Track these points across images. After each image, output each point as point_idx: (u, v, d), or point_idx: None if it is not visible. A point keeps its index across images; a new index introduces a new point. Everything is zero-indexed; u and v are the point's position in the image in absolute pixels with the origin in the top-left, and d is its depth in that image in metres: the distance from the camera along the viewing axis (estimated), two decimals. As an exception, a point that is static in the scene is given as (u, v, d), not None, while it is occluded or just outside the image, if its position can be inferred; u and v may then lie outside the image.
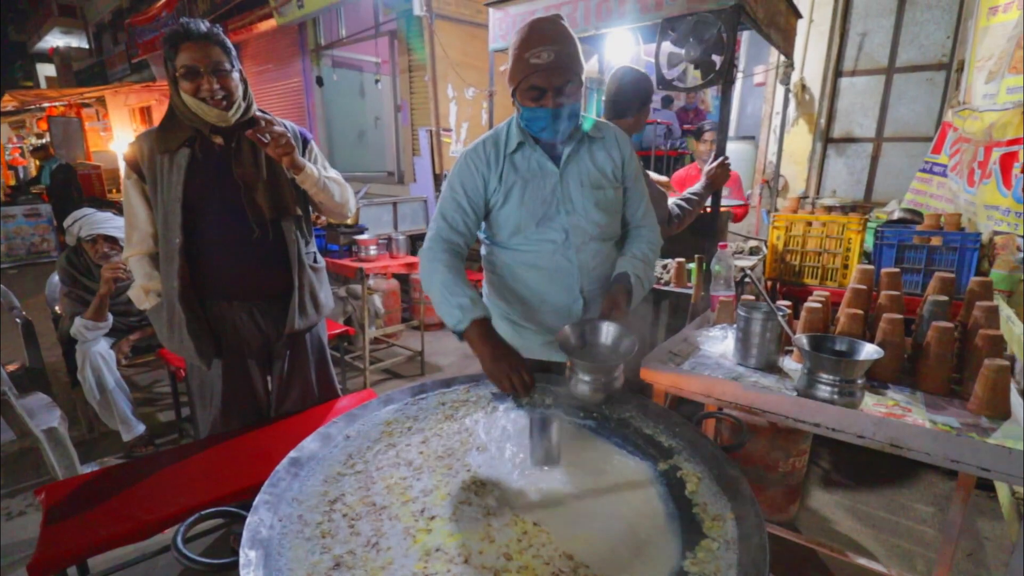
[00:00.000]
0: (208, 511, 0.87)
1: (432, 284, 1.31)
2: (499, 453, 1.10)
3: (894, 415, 1.18)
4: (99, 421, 2.58)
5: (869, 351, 1.19)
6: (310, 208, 1.78)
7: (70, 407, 2.78)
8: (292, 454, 1.03)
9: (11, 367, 2.57)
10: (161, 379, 3.43)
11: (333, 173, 1.81)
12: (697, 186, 2.08)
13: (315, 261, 1.78)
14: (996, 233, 2.27)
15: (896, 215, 2.95)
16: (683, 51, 2.11)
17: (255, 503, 0.87)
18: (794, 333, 1.35)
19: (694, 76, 2.20)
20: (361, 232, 3.55)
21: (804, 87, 4.26)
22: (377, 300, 3.57)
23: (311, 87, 7.20)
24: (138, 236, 1.59)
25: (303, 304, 1.68)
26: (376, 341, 3.81)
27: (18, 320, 2.55)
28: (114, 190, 9.33)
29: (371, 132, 7.82)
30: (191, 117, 1.51)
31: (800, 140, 4.39)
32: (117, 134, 9.48)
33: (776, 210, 4.34)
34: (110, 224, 2.47)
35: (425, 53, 4.70)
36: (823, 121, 4.35)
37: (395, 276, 4.08)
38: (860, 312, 1.43)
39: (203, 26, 1.46)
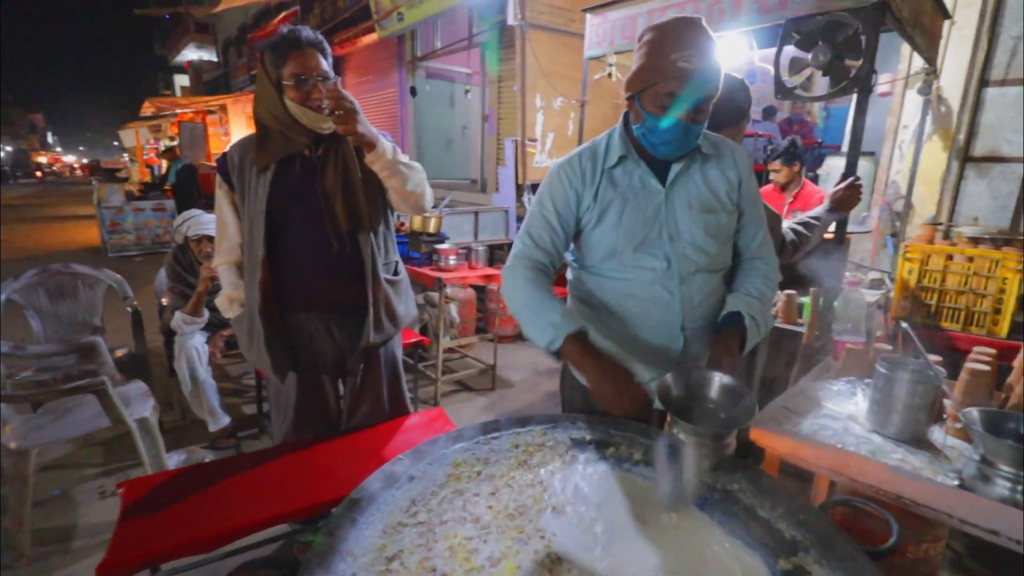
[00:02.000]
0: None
1: (516, 302, 1.20)
2: (577, 518, 0.95)
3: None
4: (190, 409, 2.72)
5: (1075, 444, 0.90)
6: (391, 216, 1.73)
7: (166, 394, 2.97)
8: (353, 495, 0.94)
9: (119, 353, 2.79)
10: (250, 371, 3.60)
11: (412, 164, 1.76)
12: (819, 209, 1.80)
13: (395, 273, 1.73)
14: None
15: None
16: (809, 55, 1.85)
17: (307, 557, 0.78)
18: (957, 402, 1.08)
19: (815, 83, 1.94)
20: (442, 241, 3.54)
21: (940, 97, 3.72)
22: (453, 310, 3.53)
23: (405, 97, 7.45)
24: (227, 245, 1.61)
25: (378, 319, 1.63)
26: (449, 351, 3.78)
27: (129, 309, 2.75)
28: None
29: (458, 141, 7.99)
30: (291, 127, 1.48)
31: (932, 158, 3.84)
32: (235, 137, 10.41)
33: (901, 237, 3.82)
34: (212, 225, 2.61)
35: (516, 63, 4.66)
36: (961, 137, 3.77)
37: (472, 286, 4.04)
38: (1045, 382, 1.13)
39: (310, 34, 1.45)
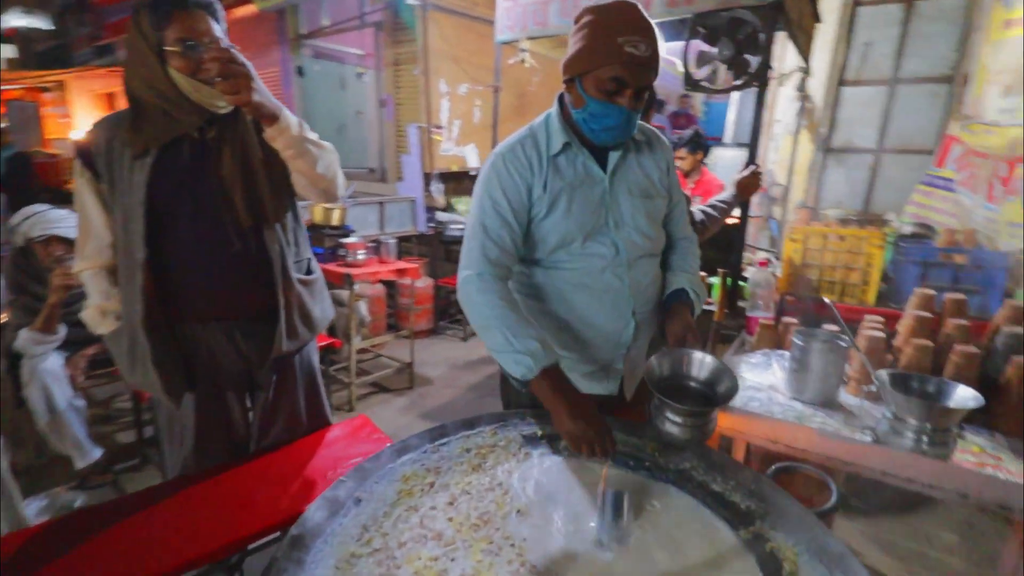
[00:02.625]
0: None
1: (488, 322, 1.10)
2: (544, 517, 0.91)
3: (986, 466, 1.03)
4: (49, 444, 2.28)
5: (966, 397, 1.03)
6: (298, 209, 1.54)
7: (14, 427, 2.47)
8: (294, 531, 0.81)
9: (-55, 384, 2.26)
10: (121, 392, 3.10)
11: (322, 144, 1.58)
12: (725, 194, 1.92)
13: (308, 272, 1.54)
14: (1026, 252, 2.18)
15: (907, 229, 2.87)
16: (715, 50, 1.95)
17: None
18: (871, 366, 1.19)
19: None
20: (347, 235, 3.30)
21: (807, 95, 4.18)
22: (363, 307, 3.33)
23: (290, 77, 6.86)
24: (93, 246, 1.32)
25: (291, 324, 1.44)
26: (362, 352, 3.57)
27: (-45, 329, 2.23)
28: (72, 180, 8.76)
29: (352, 127, 7.54)
30: (179, 103, 1.24)
31: (801, 149, 4.32)
32: (80, 121, 8.92)
33: (781, 220, 4.26)
34: (65, 223, 2.17)
35: (418, 46, 4.47)
36: (824, 130, 4.28)
37: (381, 281, 3.84)
38: (929, 344, 1.29)
39: None
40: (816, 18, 2.68)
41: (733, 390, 0.99)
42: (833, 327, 1.47)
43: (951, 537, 2.14)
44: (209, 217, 1.30)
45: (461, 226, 4.51)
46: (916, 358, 1.28)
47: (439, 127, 4.43)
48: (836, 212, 3.41)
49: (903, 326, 1.40)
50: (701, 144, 3.20)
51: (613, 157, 1.20)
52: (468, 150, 4.84)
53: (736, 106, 5.16)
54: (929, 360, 1.28)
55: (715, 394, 1.04)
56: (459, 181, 5.11)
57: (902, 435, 1.06)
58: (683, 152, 3.23)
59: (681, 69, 2.08)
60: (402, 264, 3.23)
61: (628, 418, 1.30)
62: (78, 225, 1.33)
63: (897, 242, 2.47)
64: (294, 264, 1.45)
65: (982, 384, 1.23)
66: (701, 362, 1.07)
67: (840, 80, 4.16)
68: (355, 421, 1.78)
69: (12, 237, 2.20)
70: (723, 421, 1.19)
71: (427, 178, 4.40)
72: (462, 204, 4.80)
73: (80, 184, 1.30)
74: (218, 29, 1.25)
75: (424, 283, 4.20)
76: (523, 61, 2.51)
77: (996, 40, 2.99)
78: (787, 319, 1.58)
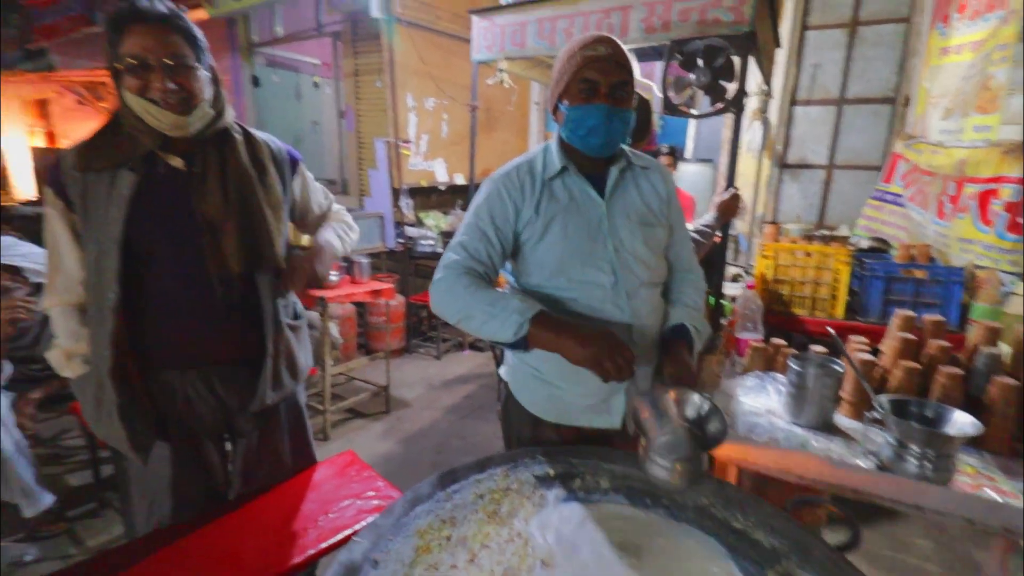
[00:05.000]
0: None
1: (461, 305, 1.11)
2: (570, 568, 0.88)
3: (983, 487, 1.08)
4: (-8, 492, 2.06)
5: (964, 423, 1.08)
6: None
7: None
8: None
9: None
10: (71, 428, 2.86)
11: (336, 208, 1.57)
12: (708, 217, 1.97)
13: (295, 316, 1.45)
14: (977, 267, 2.34)
15: (865, 244, 3.03)
16: (691, 76, 2.00)
17: None
18: (872, 390, 1.22)
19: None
20: (317, 253, 3.17)
21: (766, 116, 4.36)
22: (335, 329, 3.21)
23: (242, 86, 6.60)
24: (62, 281, 1.20)
25: (277, 374, 1.34)
26: (334, 376, 3.44)
27: None
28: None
29: (309, 138, 7.33)
30: (138, 125, 1.15)
31: (760, 165, 4.50)
32: (6, 128, 8.25)
33: (739, 233, 4.41)
34: (13, 251, 1.98)
35: (383, 58, 4.39)
36: (779, 147, 4.48)
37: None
38: (917, 366, 1.34)
39: (160, 6, 1.12)
40: (777, 43, 2.81)
41: (722, 432, 0.97)
42: (822, 348, 1.51)
43: (926, 543, 2.25)
44: (191, 259, 1.20)
45: (431, 241, 4.44)
46: (905, 380, 1.33)
47: (407, 141, 4.36)
48: (797, 227, 3.56)
49: (888, 347, 1.45)
50: (676, 160, 3.28)
51: (611, 180, 1.20)
52: (436, 164, 4.78)
53: (696, 122, 5.34)
54: (917, 382, 1.33)
55: (704, 435, 1.00)
56: (427, 196, 5.04)
57: (906, 461, 1.10)
58: (664, 160, 3.31)
59: (659, 94, 2.12)
60: (376, 284, 3.14)
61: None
62: (47, 257, 1.20)
63: (858, 257, 2.60)
64: (282, 308, 1.36)
65: (967, 403, 1.30)
66: (688, 401, 1.03)
67: (792, 100, 4.38)
68: (342, 458, 1.69)
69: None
70: (729, 449, 1.20)
71: (396, 193, 4.31)
72: (431, 219, 4.73)
73: (51, 213, 1.18)
74: (183, 46, 1.15)
75: (396, 301, 4.10)
76: (502, 82, 2.50)
77: (935, 65, 3.22)
78: (776, 340, 1.62)
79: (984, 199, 2.39)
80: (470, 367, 4.10)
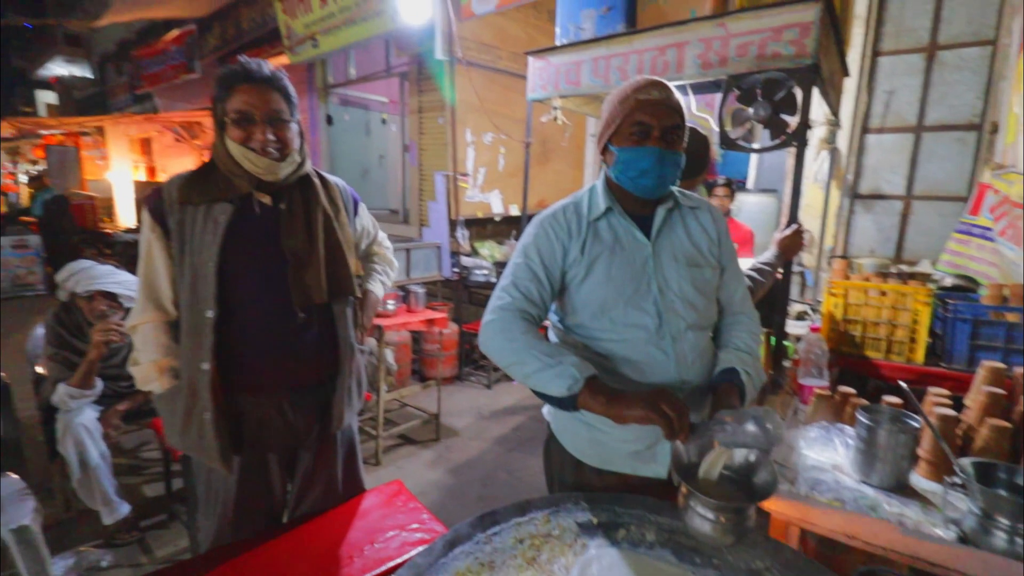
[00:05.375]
0: None
1: (513, 351, 1.09)
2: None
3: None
4: (77, 498, 2.25)
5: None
6: None
7: (43, 478, 2.46)
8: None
9: (-21, 438, 2.26)
10: (149, 442, 3.10)
11: (381, 236, 1.67)
12: (768, 255, 1.89)
13: (362, 341, 1.56)
14: (1083, 312, 2.09)
15: (948, 281, 2.79)
16: (750, 110, 1.96)
17: None
18: (951, 453, 1.12)
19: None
20: (375, 282, 3.31)
21: (835, 146, 4.17)
22: (390, 356, 3.30)
23: (317, 124, 7.11)
24: (156, 299, 1.32)
25: (350, 395, 1.45)
26: (387, 402, 3.53)
27: (-7, 383, 2.25)
28: (106, 219, 9.07)
29: (375, 170, 7.77)
30: (235, 169, 1.29)
31: (827, 195, 4.28)
32: (115, 163, 9.28)
33: (806, 268, 4.19)
34: (110, 279, 2.20)
35: (446, 96, 4.60)
36: (850, 177, 4.26)
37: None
38: (1007, 425, 1.21)
39: (265, 69, 1.27)
40: (845, 72, 2.70)
41: (772, 485, 0.91)
42: (894, 399, 1.40)
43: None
44: (275, 289, 1.31)
45: (485, 270, 4.52)
46: (993, 440, 1.20)
47: (465, 175, 4.51)
48: (871, 262, 3.34)
49: (973, 402, 1.32)
50: (733, 191, 3.20)
51: (657, 220, 1.19)
52: (492, 196, 4.91)
53: (756, 155, 5.17)
54: (1007, 443, 1.20)
55: (751, 486, 0.95)
56: (483, 227, 5.16)
57: (992, 535, 0.98)
58: (721, 192, 3.24)
59: (715, 127, 2.09)
60: (431, 313, 3.22)
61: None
62: (140, 278, 1.33)
63: (941, 297, 2.39)
64: (354, 335, 1.46)
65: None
66: (737, 450, 0.97)
67: (864, 128, 4.16)
68: (389, 488, 1.73)
69: (57, 293, 2.24)
70: (788, 509, 1.12)
71: (452, 224, 4.44)
72: (485, 249, 4.82)
73: (149, 239, 1.32)
74: (282, 104, 1.29)
75: (449, 329, 4.18)
76: (555, 119, 2.55)
77: (1028, 91, 2.97)
78: (845, 389, 1.52)
79: (1090, 236, 2.15)
80: (519, 398, 4.08)
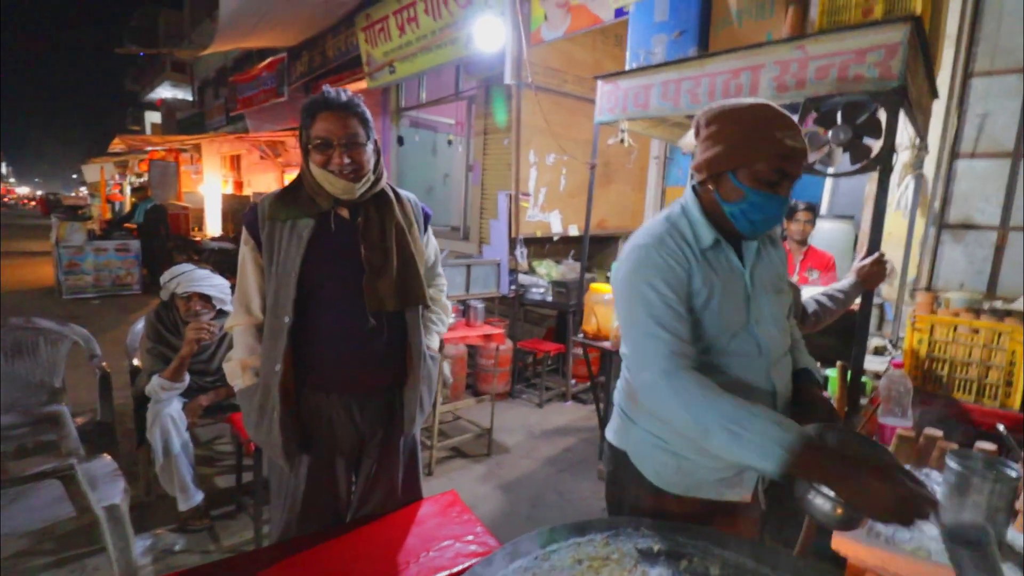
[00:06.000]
0: None
1: (700, 423, 0.96)
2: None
3: None
4: (157, 483, 2.44)
5: None
6: None
7: (129, 463, 2.68)
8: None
9: (80, 420, 2.51)
10: (223, 435, 3.31)
11: (440, 270, 1.73)
12: (844, 283, 1.79)
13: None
14: None
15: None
16: (828, 133, 1.89)
17: None
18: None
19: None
20: (437, 296, 3.41)
21: (922, 173, 3.92)
22: (447, 368, 3.37)
23: (389, 144, 7.48)
24: (247, 304, 1.46)
25: (420, 403, 1.52)
26: (442, 414, 3.59)
27: (97, 371, 2.50)
28: (196, 228, 9.90)
29: (439, 188, 8.07)
30: (317, 189, 1.41)
31: (911, 224, 4.00)
32: (207, 177, 10.15)
33: (897, 303, 3.92)
34: (207, 282, 2.42)
35: (510, 119, 4.74)
36: (937, 205, 3.97)
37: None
38: None
39: (343, 96, 1.38)
40: (934, 94, 2.55)
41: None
42: (988, 445, 1.29)
43: None
44: (352, 296, 1.40)
45: (542, 288, 4.54)
46: (1110, 499, 1.07)
47: (526, 194, 4.59)
48: (960, 296, 3.09)
49: (1087, 456, 1.19)
50: (816, 214, 3.09)
51: (749, 251, 1.17)
52: (552, 216, 4.96)
53: (831, 179, 4.93)
54: None
55: None
56: (541, 245, 5.20)
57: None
58: (803, 216, 3.13)
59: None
60: (488, 329, 3.28)
61: (744, 530, 1.19)
62: (236, 285, 1.48)
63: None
64: (424, 342, 1.53)
65: None
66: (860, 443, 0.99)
67: (953, 153, 3.88)
68: (445, 498, 1.76)
69: (160, 293, 2.47)
70: (866, 555, 1.05)
71: (512, 242, 4.52)
72: (543, 267, 4.86)
73: (244, 251, 1.46)
74: (360, 128, 1.39)
75: (505, 345, 4.22)
76: (622, 141, 2.57)
77: None
78: (931, 431, 1.41)
79: None
80: (571, 419, 4.03)
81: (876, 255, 1.79)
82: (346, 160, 1.36)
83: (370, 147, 1.43)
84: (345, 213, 1.45)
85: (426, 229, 1.63)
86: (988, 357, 2.16)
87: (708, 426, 0.94)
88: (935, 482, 1.27)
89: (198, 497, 2.40)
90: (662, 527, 1.12)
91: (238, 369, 1.46)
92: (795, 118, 1.12)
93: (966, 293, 3.36)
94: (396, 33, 5.47)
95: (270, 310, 1.42)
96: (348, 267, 1.42)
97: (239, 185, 12.21)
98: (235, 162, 12.40)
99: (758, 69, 2.02)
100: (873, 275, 1.77)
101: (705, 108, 1.16)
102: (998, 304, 3.21)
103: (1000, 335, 2.15)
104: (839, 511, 0.87)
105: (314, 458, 1.46)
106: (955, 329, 2.27)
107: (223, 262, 6.93)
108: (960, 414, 2.16)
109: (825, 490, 0.87)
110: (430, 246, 1.67)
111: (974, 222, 3.84)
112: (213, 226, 9.74)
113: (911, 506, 0.81)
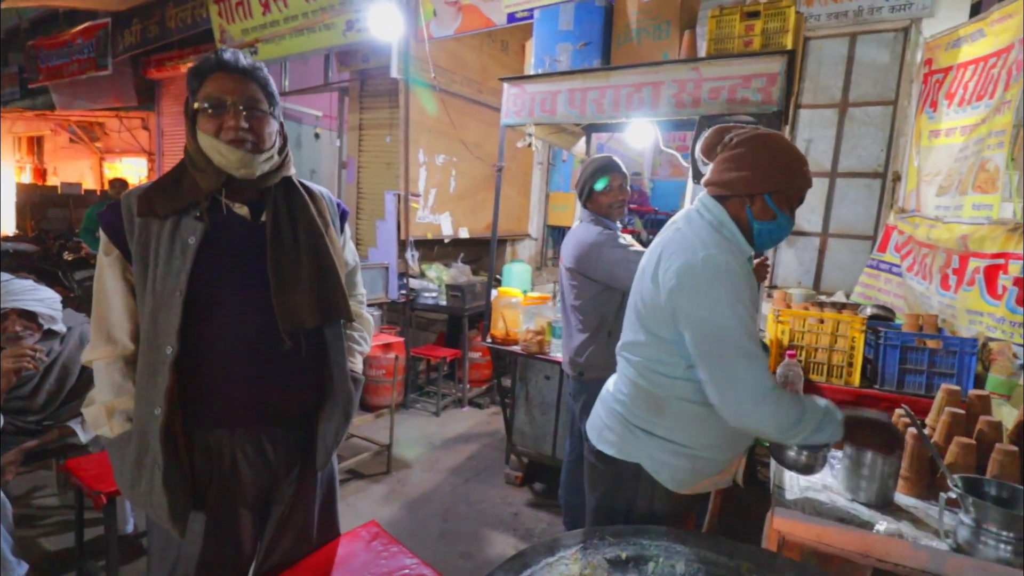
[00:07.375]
0: None
1: (795, 420, 1.12)
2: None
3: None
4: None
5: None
6: None
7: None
8: None
9: None
10: (44, 486, 2.64)
11: (359, 279, 1.50)
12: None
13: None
14: (989, 339, 2.39)
15: (869, 311, 3.10)
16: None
17: None
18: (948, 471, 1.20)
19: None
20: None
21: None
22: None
23: (247, 135, 6.73)
24: (112, 332, 1.14)
25: (339, 431, 1.30)
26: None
27: None
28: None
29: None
30: (202, 165, 1.13)
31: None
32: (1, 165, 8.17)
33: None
34: (30, 296, 1.87)
35: (396, 115, 4.53)
36: (774, 214, 4.65)
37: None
38: (973, 443, 1.34)
39: (242, 59, 1.14)
40: (786, 119, 2.96)
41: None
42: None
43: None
44: (258, 312, 1.16)
45: (434, 293, 4.40)
46: (962, 457, 1.32)
47: (416, 195, 4.42)
48: (799, 292, 3.64)
49: (938, 423, 1.45)
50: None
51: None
52: (443, 218, 4.84)
53: (694, 184, 5.52)
54: (974, 458, 1.32)
55: None
56: (431, 248, 5.06)
57: (985, 544, 1.06)
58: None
59: (685, 164, 2.20)
60: (387, 338, 3.07)
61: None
62: (95, 307, 1.15)
63: (871, 325, 2.64)
64: (346, 360, 1.33)
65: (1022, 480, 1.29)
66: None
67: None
68: (366, 530, 1.59)
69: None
70: (806, 532, 1.15)
71: (402, 245, 4.31)
72: (433, 271, 4.72)
73: (105, 263, 1.14)
74: (259, 94, 1.15)
75: (401, 354, 4.01)
76: (529, 145, 2.57)
77: (925, 146, 3.43)
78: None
79: (991, 273, 2.49)
80: (470, 424, 3.97)
81: (762, 257, 2.02)
82: (243, 125, 1.11)
83: (274, 122, 1.20)
84: (245, 212, 1.21)
85: (343, 229, 1.43)
86: (833, 343, 2.57)
87: (801, 429, 1.11)
88: (834, 456, 1.45)
89: (21, 569, 1.87)
90: (625, 533, 1.12)
91: (103, 415, 1.14)
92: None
93: (803, 290, 3.98)
94: (259, 10, 4.91)
95: (146, 338, 1.12)
96: (252, 277, 1.17)
97: (41, 173, 10.03)
98: (35, 144, 10.15)
99: (659, 85, 2.16)
100: (758, 275, 2.00)
101: (718, 126, 1.27)
102: (823, 298, 3.87)
103: (840, 324, 2.58)
104: (804, 459, 1.29)
105: (212, 513, 1.19)
106: (806, 321, 2.67)
107: (20, 268, 5.62)
108: (816, 393, 2.54)
109: (795, 449, 1.28)
110: (347, 249, 1.45)
111: (803, 229, 4.58)
112: (6, 223, 7.87)
113: (894, 444, 1.22)
